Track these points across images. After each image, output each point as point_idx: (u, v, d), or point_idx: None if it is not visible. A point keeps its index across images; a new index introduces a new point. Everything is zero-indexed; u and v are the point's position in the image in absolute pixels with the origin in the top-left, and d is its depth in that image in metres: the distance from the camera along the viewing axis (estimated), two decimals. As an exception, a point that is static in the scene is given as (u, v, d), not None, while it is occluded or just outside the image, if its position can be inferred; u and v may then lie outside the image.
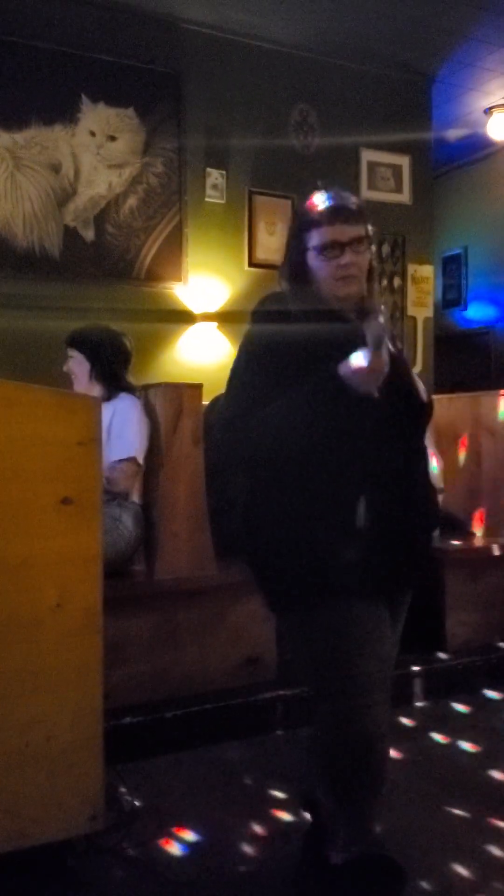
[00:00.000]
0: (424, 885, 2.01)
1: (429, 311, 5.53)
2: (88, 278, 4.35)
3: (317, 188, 1.91)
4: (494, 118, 5.84)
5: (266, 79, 4.87)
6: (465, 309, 7.09)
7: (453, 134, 6.19)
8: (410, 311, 5.43)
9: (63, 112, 4.28)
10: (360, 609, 1.80)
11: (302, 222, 1.91)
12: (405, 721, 3.10)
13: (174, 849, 2.18)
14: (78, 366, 3.08)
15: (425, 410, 1.98)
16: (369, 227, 1.89)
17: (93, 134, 4.36)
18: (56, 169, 4.28)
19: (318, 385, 1.75)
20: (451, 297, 7.19)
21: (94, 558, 1.96)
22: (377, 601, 1.84)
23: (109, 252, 4.42)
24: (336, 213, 1.84)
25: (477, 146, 6.44)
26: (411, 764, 2.71)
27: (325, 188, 1.90)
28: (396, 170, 5.34)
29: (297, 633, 1.89)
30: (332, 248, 1.84)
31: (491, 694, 3.38)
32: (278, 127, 4.94)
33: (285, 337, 1.83)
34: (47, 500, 1.91)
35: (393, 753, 2.77)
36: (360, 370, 1.71)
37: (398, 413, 1.84)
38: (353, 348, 1.74)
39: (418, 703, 3.26)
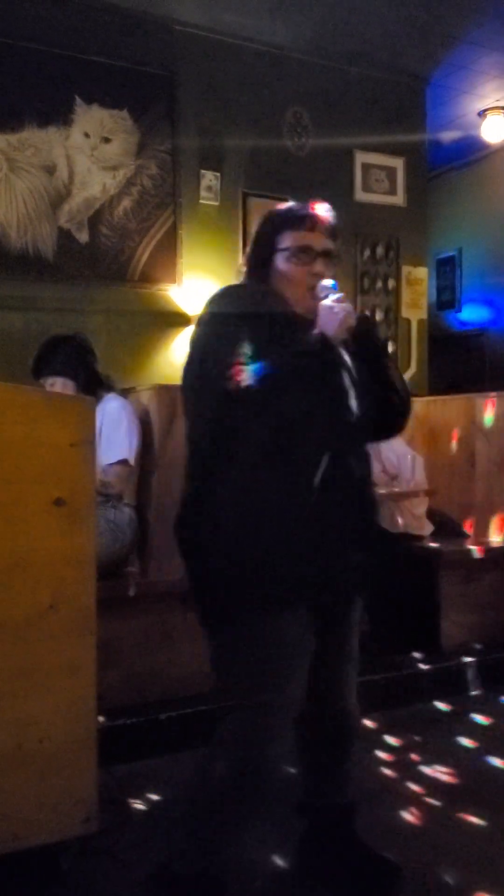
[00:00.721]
0: (423, 885, 2.01)
1: (423, 313, 5.54)
2: (82, 280, 4.35)
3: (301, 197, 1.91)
4: (488, 121, 5.87)
5: (260, 81, 4.88)
6: (459, 311, 7.11)
7: (447, 136, 6.22)
8: (405, 312, 5.44)
9: (57, 114, 4.28)
10: (283, 629, 1.72)
11: (278, 222, 1.87)
12: (399, 722, 3.10)
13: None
14: (63, 388, 3.01)
15: (398, 410, 1.94)
16: (338, 247, 1.90)
17: (87, 135, 4.36)
18: (50, 171, 4.28)
19: (299, 345, 1.70)
20: (446, 299, 7.21)
21: (88, 559, 1.96)
22: (304, 619, 1.75)
23: (103, 254, 4.42)
24: (316, 221, 1.83)
25: (471, 148, 6.46)
26: (406, 765, 2.71)
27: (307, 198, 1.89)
28: (391, 172, 5.36)
29: (217, 643, 1.83)
30: (305, 254, 1.81)
31: (487, 695, 3.38)
32: (272, 129, 4.95)
33: (244, 319, 1.77)
34: (40, 502, 1.91)
35: (387, 756, 2.77)
36: (325, 319, 1.70)
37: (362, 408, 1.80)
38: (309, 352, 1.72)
39: (413, 705, 3.26)
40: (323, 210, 1.87)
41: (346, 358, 1.76)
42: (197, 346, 1.80)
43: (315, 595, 1.74)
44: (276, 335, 1.73)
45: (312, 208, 1.86)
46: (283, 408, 1.68)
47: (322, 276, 1.81)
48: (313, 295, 1.79)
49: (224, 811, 1.79)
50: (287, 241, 1.83)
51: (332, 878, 1.99)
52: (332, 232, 1.86)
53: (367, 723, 2.93)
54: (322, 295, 1.76)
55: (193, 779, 1.88)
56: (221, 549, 1.73)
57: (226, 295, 1.89)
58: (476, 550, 3.68)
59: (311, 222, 1.83)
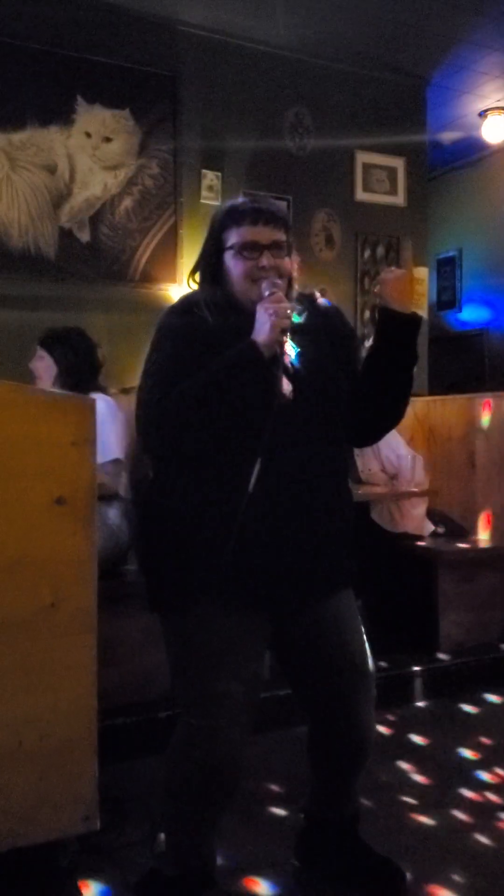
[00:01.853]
0: (421, 884, 2.01)
1: (423, 313, 5.49)
2: (83, 279, 4.35)
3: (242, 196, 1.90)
4: (489, 121, 5.87)
5: (261, 81, 4.88)
6: (460, 311, 7.11)
7: (448, 137, 6.22)
8: (405, 312, 5.42)
9: (59, 113, 4.28)
10: (227, 621, 1.70)
11: (221, 221, 1.85)
12: (398, 721, 3.10)
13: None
14: (44, 367, 3.05)
15: (339, 407, 1.88)
16: (290, 237, 1.85)
17: (88, 135, 4.36)
18: (51, 170, 4.28)
19: (231, 353, 1.69)
20: (446, 299, 7.21)
21: (88, 558, 1.96)
22: (253, 614, 1.73)
23: (104, 253, 4.42)
24: (258, 214, 1.80)
25: (471, 149, 6.47)
26: (403, 764, 2.71)
27: (252, 193, 1.88)
28: (391, 172, 5.36)
29: (164, 634, 1.83)
30: (250, 249, 1.79)
31: (485, 695, 3.39)
32: (273, 129, 4.95)
33: (196, 328, 1.78)
34: (41, 500, 1.91)
35: (386, 754, 2.78)
36: (260, 322, 1.68)
37: (317, 409, 1.77)
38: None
39: (412, 704, 3.27)
40: (267, 202, 1.85)
41: (289, 355, 1.70)
42: (145, 359, 1.84)
43: (242, 592, 1.71)
44: (215, 343, 1.72)
45: (255, 201, 1.85)
46: (213, 417, 1.69)
47: (272, 269, 1.78)
48: (259, 287, 1.77)
49: (187, 809, 1.79)
50: (232, 238, 1.81)
51: (335, 880, 1.99)
52: (278, 221, 1.82)
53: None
54: (265, 293, 1.73)
55: (162, 779, 1.89)
56: (160, 537, 1.79)
57: (171, 307, 1.91)
58: (476, 550, 3.69)
59: (254, 216, 1.80)
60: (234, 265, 1.81)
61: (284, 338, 1.67)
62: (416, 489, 3.73)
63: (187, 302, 1.87)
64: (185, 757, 1.76)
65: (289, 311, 1.70)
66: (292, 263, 1.86)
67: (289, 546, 1.71)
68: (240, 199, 1.88)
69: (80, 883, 2.03)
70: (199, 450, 1.72)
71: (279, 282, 1.76)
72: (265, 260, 1.78)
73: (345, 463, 1.92)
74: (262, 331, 1.68)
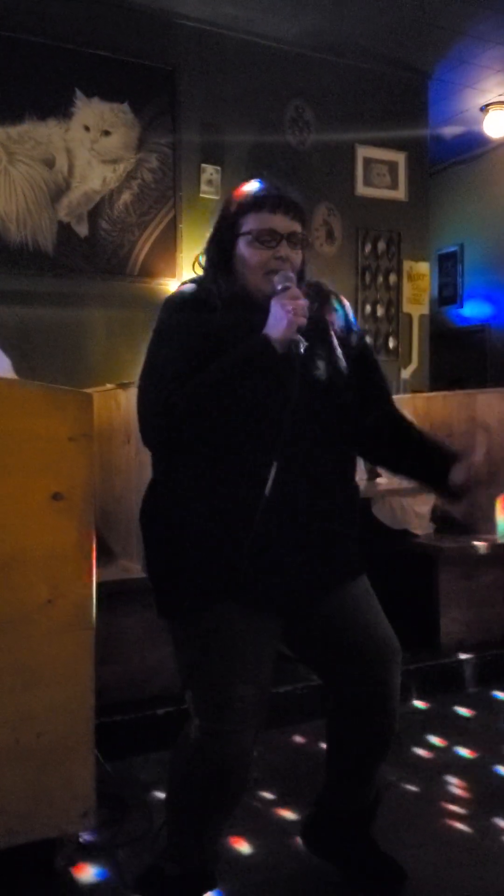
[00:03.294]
0: (421, 881, 2.00)
1: (425, 309, 5.52)
2: (82, 274, 4.33)
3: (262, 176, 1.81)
4: (491, 115, 5.84)
5: (261, 74, 4.86)
6: (461, 306, 7.10)
7: (449, 131, 6.19)
8: (406, 308, 5.42)
9: (57, 107, 4.25)
10: (239, 623, 1.66)
11: (238, 205, 1.76)
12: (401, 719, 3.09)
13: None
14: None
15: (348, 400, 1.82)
16: (307, 230, 1.79)
17: (87, 129, 4.33)
18: (50, 164, 4.26)
19: (243, 348, 1.63)
20: (447, 295, 7.19)
21: (86, 554, 1.95)
22: (263, 613, 1.69)
23: (103, 247, 4.40)
24: (279, 202, 1.73)
25: (473, 143, 6.44)
26: (404, 763, 2.70)
27: (270, 179, 1.79)
28: (392, 166, 5.33)
29: (174, 639, 1.78)
30: (269, 237, 1.71)
31: (485, 692, 3.38)
32: (273, 123, 4.93)
33: (203, 320, 1.70)
34: (38, 496, 1.90)
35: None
36: (275, 318, 1.62)
37: (326, 407, 1.73)
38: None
39: (411, 702, 3.25)
40: (289, 191, 1.77)
41: (302, 352, 1.63)
42: (148, 353, 1.75)
43: (259, 596, 1.66)
44: (224, 340, 1.66)
45: (277, 188, 1.76)
46: (226, 415, 1.63)
47: (287, 260, 1.72)
48: (272, 280, 1.70)
49: (193, 809, 1.77)
50: (250, 223, 1.73)
51: (338, 874, 1.98)
52: (299, 214, 1.76)
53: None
54: (277, 287, 1.67)
55: (167, 778, 1.87)
56: (170, 542, 1.71)
57: (175, 298, 1.81)
58: (476, 547, 3.68)
59: (275, 203, 1.73)
60: (249, 253, 1.73)
61: (299, 336, 1.61)
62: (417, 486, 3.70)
63: (194, 293, 1.77)
64: (196, 760, 1.73)
65: (306, 311, 1.64)
66: (305, 257, 1.81)
67: (304, 546, 1.69)
68: (259, 183, 1.78)
69: (76, 881, 2.01)
70: (210, 449, 1.67)
71: (292, 276, 1.70)
72: (282, 249, 1.71)
73: (351, 456, 1.88)
74: (277, 327, 1.61)
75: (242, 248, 1.74)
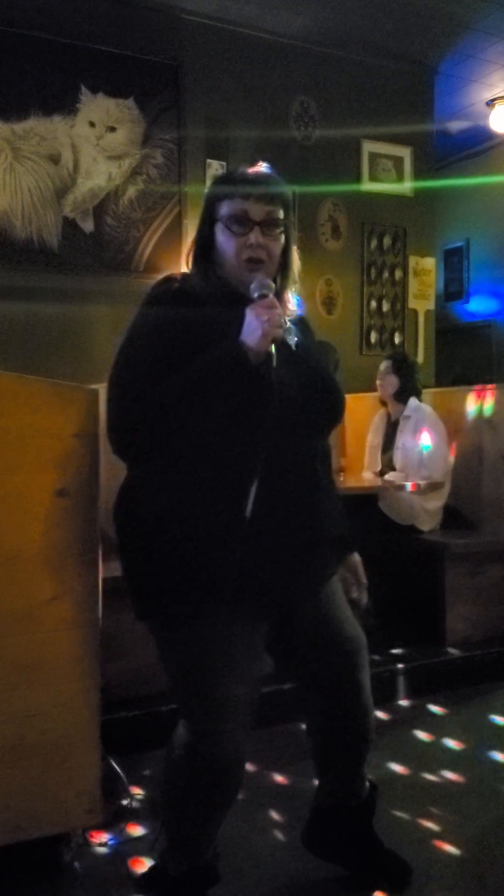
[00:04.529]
0: (423, 878, 2.00)
1: (430, 304, 5.51)
2: (87, 270, 4.33)
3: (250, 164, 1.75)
4: (497, 110, 5.81)
5: (267, 70, 4.84)
6: (467, 302, 7.07)
7: (455, 126, 6.17)
8: (412, 303, 5.41)
9: (62, 103, 4.25)
10: (226, 624, 1.61)
11: (216, 190, 1.71)
12: (402, 716, 3.09)
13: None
14: None
15: (333, 406, 1.79)
16: (289, 216, 1.70)
17: (92, 125, 4.33)
18: (55, 160, 4.25)
19: (216, 355, 1.56)
20: (453, 290, 7.17)
21: (91, 550, 1.95)
22: (250, 615, 1.65)
23: (108, 244, 4.39)
24: (252, 186, 1.65)
25: (479, 138, 6.41)
26: (407, 759, 2.70)
27: (253, 164, 1.74)
28: (398, 161, 5.32)
29: (158, 641, 1.73)
30: (239, 223, 1.64)
31: (491, 689, 3.37)
32: (279, 118, 4.91)
33: (179, 316, 1.63)
34: (43, 493, 1.90)
35: (389, 749, 2.76)
36: (250, 328, 1.54)
37: (303, 405, 1.66)
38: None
39: (416, 699, 3.25)
40: (264, 174, 1.70)
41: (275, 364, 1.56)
42: (119, 350, 1.68)
43: (259, 595, 1.63)
44: (205, 337, 1.59)
45: (251, 172, 1.70)
46: (195, 423, 1.57)
47: (261, 248, 1.64)
48: (250, 268, 1.64)
49: (190, 810, 1.76)
50: (223, 209, 1.66)
51: (341, 865, 1.98)
52: (276, 197, 1.67)
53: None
54: (254, 294, 1.58)
55: (162, 780, 1.85)
56: (150, 544, 1.63)
57: (155, 292, 1.73)
58: (482, 543, 3.67)
59: (246, 187, 1.65)
60: (223, 240, 1.67)
61: (273, 349, 1.54)
62: (422, 483, 3.70)
63: (177, 286, 1.71)
64: (189, 762, 1.71)
65: (283, 321, 1.57)
66: (294, 252, 1.75)
67: (290, 549, 1.65)
68: (238, 168, 1.74)
69: (82, 877, 2.02)
70: (185, 455, 1.60)
71: (269, 282, 1.61)
72: (254, 236, 1.63)
73: (329, 455, 1.83)
74: (251, 337, 1.54)
75: (218, 234, 1.68)
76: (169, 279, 1.76)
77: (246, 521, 1.56)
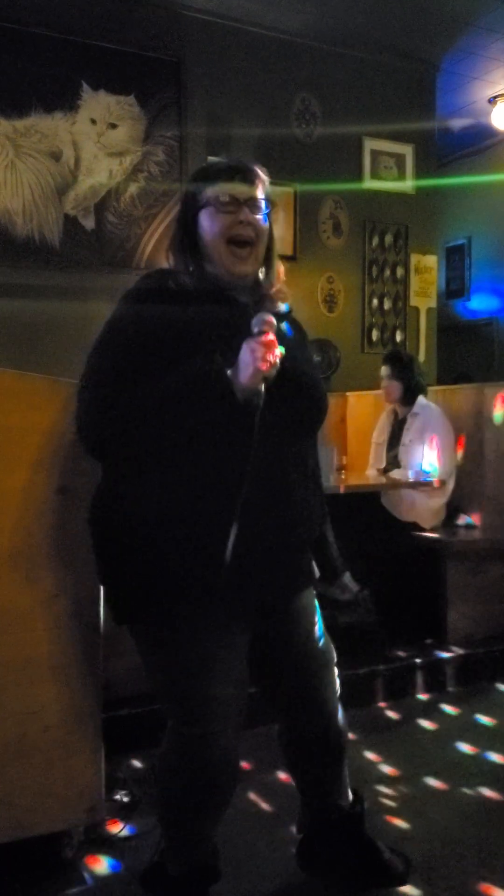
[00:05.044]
0: (426, 873, 2.00)
1: (432, 302, 5.50)
2: (88, 267, 4.32)
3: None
4: (499, 107, 5.80)
5: (268, 67, 4.83)
6: (469, 300, 7.06)
7: (457, 123, 6.15)
8: (413, 301, 5.40)
9: (63, 99, 4.24)
10: (209, 628, 1.60)
11: (195, 181, 1.73)
12: (405, 714, 3.09)
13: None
14: None
15: (318, 409, 1.76)
16: (270, 198, 1.72)
17: (93, 122, 4.32)
18: (56, 157, 4.24)
19: (197, 376, 1.53)
20: (455, 288, 7.16)
21: (91, 548, 1.94)
22: (232, 618, 1.63)
23: (109, 241, 4.39)
24: (234, 170, 1.69)
25: (481, 135, 6.40)
26: (411, 756, 2.70)
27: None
28: (400, 159, 5.31)
29: (140, 646, 1.70)
30: (227, 203, 1.66)
31: (493, 687, 3.37)
32: (280, 115, 4.90)
33: (162, 316, 1.60)
34: (43, 490, 1.89)
35: (393, 746, 2.76)
36: (243, 363, 1.51)
37: (287, 411, 1.63)
38: (239, 335, 1.56)
39: (419, 696, 3.25)
40: (242, 160, 1.74)
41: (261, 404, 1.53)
42: (93, 348, 1.65)
43: (239, 600, 1.61)
44: (186, 336, 1.57)
45: (229, 158, 1.75)
46: (178, 435, 1.55)
47: (249, 226, 1.66)
48: (236, 253, 1.66)
49: (185, 812, 1.75)
50: (207, 194, 1.68)
51: (341, 877, 1.96)
52: (258, 180, 1.70)
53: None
54: (253, 329, 1.55)
55: (156, 782, 1.85)
56: (128, 549, 1.60)
57: (135, 289, 1.70)
58: (484, 541, 3.67)
59: (229, 172, 1.69)
60: (210, 224, 1.67)
61: (262, 388, 1.52)
62: (424, 481, 3.70)
63: (159, 282, 1.68)
64: (181, 766, 1.71)
65: (279, 360, 1.53)
66: (279, 268, 1.75)
67: (271, 554, 1.63)
68: (216, 159, 1.80)
69: (84, 874, 2.02)
70: (160, 462, 1.57)
71: (272, 319, 1.56)
72: (244, 213, 1.66)
73: (311, 458, 1.78)
74: (244, 373, 1.51)
75: (203, 220, 1.69)
76: (153, 274, 1.75)
77: (233, 530, 1.53)
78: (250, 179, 1.69)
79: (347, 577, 2.04)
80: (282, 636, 1.77)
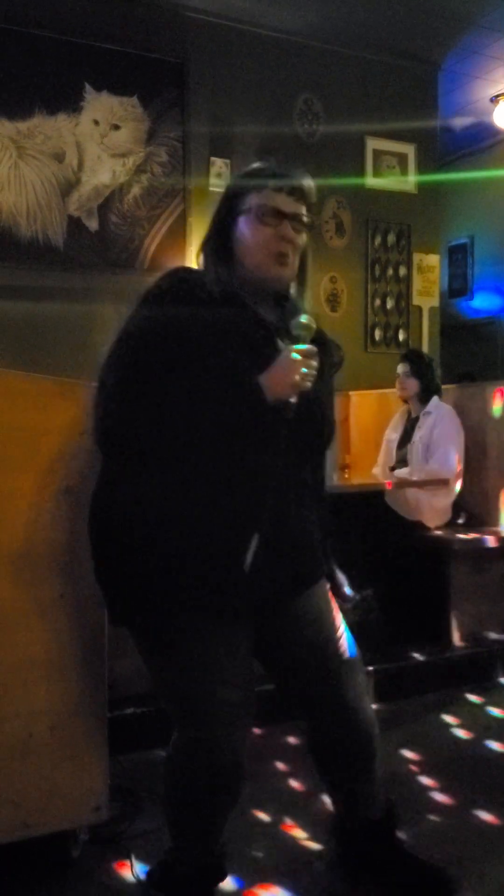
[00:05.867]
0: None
1: (435, 301, 5.50)
2: (92, 268, 4.33)
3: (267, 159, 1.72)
4: (501, 106, 5.79)
5: (270, 67, 4.84)
6: (472, 299, 7.06)
7: (459, 122, 6.15)
8: (416, 300, 5.40)
9: (67, 101, 4.25)
10: (210, 631, 1.58)
11: (239, 184, 1.66)
12: (408, 712, 3.09)
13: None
14: None
15: (326, 434, 1.73)
16: (312, 217, 1.67)
17: (96, 123, 4.33)
18: (59, 158, 4.25)
19: (229, 388, 1.51)
20: (457, 287, 7.16)
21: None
22: (237, 620, 1.62)
23: (113, 242, 4.40)
24: (284, 181, 1.62)
25: (483, 135, 6.39)
26: (413, 754, 2.70)
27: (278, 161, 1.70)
28: (402, 158, 5.31)
29: (141, 648, 1.68)
30: (272, 215, 1.60)
31: (496, 685, 3.37)
32: (283, 115, 4.91)
33: (185, 317, 1.56)
34: (50, 490, 1.90)
35: (395, 745, 2.77)
36: (278, 374, 1.50)
37: (303, 434, 1.60)
38: (262, 343, 1.55)
39: (421, 695, 3.25)
40: (292, 172, 1.66)
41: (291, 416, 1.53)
42: (110, 352, 1.62)
43: (229, 603, 1.58)
44: (207, 341, 1.53)
45: (281, 167, 1.66)
46: (201, 440, 1.52)
47: (290, 242, 1.61)
48: (280, 261, 1.61)
49: (192, 813, 1.74)
50: (251, 200, 1.62)
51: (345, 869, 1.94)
52: (305, 197, 1.65)
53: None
54: (293, 332, 1.55)
55: (163, 784, 1.82)
56: (130, 549, 1.57)
57: (155, 289, 1.64)
58: (487, 540, 3.66)
59: (279, 181, 1.62)
60: (250, 232, 1.61)
61: (293, 401, 1.51)
62: (426, 479, 3.70)
63: (181, 283, 1.62)
64: (187, 769, 1.70)
65: (311, 375, 1.53)
66: (308, 247, 1.70)
67: (277, 551, 1.60)
68: (265, 163, 1.68)
69: (91, 872, 2.02)
70: (177, 464, 1.54)
71: (312, 323, 1.59)
72: (286, 229, 1.59)
73: (314, 485, 1.74)
74: (279, 384, 1.50)
75: (242, 226, 1.63)
76: (178, 273, 1.70)
77: (254, 539, 1.52)
78: (298, 194, 1.63)
79: (347, 587, 2.06)
80: (293, 636, 1.72)
